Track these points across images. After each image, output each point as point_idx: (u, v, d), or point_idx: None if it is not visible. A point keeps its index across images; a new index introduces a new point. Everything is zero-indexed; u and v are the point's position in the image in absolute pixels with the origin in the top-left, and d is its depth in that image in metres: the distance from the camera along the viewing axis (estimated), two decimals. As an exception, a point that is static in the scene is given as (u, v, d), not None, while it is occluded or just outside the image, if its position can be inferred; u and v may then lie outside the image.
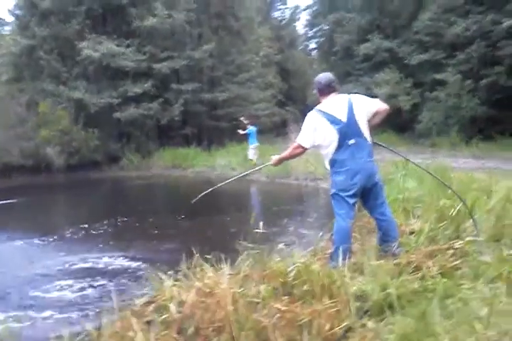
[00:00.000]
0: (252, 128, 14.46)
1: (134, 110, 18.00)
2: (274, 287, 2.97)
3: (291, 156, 3.76)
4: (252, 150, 14.15)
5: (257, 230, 3.81)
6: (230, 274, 3.15)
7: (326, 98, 3.58)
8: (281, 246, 3.92)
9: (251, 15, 23.69)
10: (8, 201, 11.05)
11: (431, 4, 18.99)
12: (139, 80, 18.57)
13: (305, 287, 2.84)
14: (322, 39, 31.35)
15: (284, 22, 39.13)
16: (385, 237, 3.56)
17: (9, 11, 20.99)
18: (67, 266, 5.66)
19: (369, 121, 3.54)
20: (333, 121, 3.42)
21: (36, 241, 7.10)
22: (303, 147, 3.56)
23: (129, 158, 17.96)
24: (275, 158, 3.85)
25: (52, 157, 16.24)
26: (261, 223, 3.71)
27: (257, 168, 5.52)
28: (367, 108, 3.51)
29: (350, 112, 3.43)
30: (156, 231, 7.18)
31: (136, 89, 18.11)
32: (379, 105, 3.58)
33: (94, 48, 17.49)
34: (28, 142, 16.39)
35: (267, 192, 10.93)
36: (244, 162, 13.91)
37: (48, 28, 18.60)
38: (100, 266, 5.63)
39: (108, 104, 17.80)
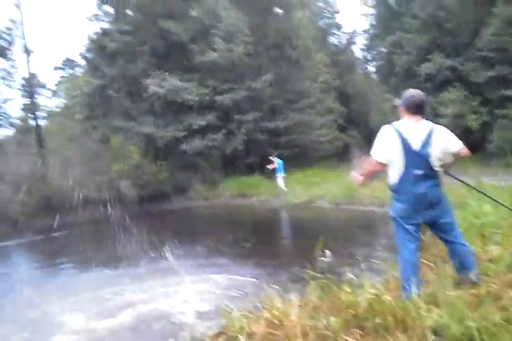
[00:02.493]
0: (278, 160, 15.30)
1: (199, 142, 18.61)
2: (344, 319, 2.90)
3: (371, 173, 3.47)
4: (280, 179, 14.95)
5: (323, 258, 3.76)
6: (299, 305, 3.12)
7: (409, 117, 3.35)
8: (349, 275, 3.84)
9: (308, 43, 24.02)
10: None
11: (493, 19, 18.37)
12: (203, 113, 19.26)
13: (377, 319, 2.74)
14: (381, 61, 31.09)
15: (341, 47, 39.25)
16: (461, 265, 3.35)
17: (80, 54, 22.73)
18: (139, 291, 5.86)
19: (443, 159, 3.29)
20: (405, 145, 3.22)
21: (118, 268, 7.48)
22: (378, 162, 3.33)
23: (197, 188, 18.43)
24: (355, 175, 3.58)
25: (125, 190, 17.01)
26: (328, 252, 3.67)
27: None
28: (447, 145, 3.27)
29: (426, 143, 3.22)
30: (222, 260, 7.28)
31: (201, 121, 18.77)
32: (461, 148, 3.32)
33: (160, 85, 18.41)
34: (102, 176, 17.31)
35: (331, 218, 10.75)
36: (308, 189, 13.84)
37: (116, 68, 19.88)
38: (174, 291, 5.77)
39: (174, 137, 18.55)
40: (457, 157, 3.35)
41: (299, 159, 21.29)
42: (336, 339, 2.57)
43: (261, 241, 8.77)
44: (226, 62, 19.91)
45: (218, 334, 3.07)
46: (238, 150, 19.53)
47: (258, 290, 4.92)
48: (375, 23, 34.18)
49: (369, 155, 3.43)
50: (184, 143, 18.64)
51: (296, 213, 12.53)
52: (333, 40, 39.82)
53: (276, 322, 2.90)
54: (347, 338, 2.56)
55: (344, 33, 39.67)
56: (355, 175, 3.56)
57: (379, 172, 3.44)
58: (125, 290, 6.32)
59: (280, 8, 23.29)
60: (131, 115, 19.52)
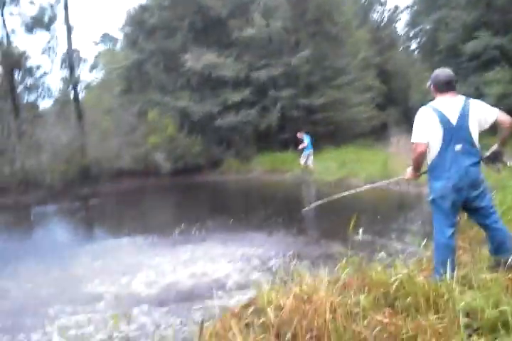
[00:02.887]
0: (307, 137, 15.29)
1: (234, 117, 18.61)
2: (374, 297, 2.87)
3: (418, 159, 3.41)
4: (307, 156, 15.02)
5: (356, 237, 3.73)
6: (328, 281, 3.11)
7: (441, 96, 3.33)
8: (382, 254, 3.80)
9: (348, 18, 23.37)
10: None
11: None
12: (238, 88, 19.17)
13: (408, 299, 2.71)
14: (424, 39, 29.96)
15: (383, 23, 38.08)
16: (498, 249, 3.26)
17: (119, 28, 22.86)
18: (175, 261, 6.01)
19: (483, 130, 3.25)
20: (443, 120, 3.18)
21: (150, 237, 7.69)
22: (422, 143, 3.27)
23: (229, 162, 18.56)
24: (408, 171, 3.57)
25: (160, 162, 17.33)
26: (360, 230, 3.62)
27: (391, 180, 5.09)
28: (484, 116, 3.23)
29: (463, 116, 3.18)
30: (253, 233, 7.34)
31: (236, 97, 18.71)
32: (500, 115, 3.25)
33: (197, 60, 18.37)
34: (138, 148, 17.65)
35: (365, 197, 10.61)
36: (342, 167, 13.68)
37: (154, 43, 19.93)
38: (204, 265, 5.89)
39: (210, 112, 18.61)
40: (507, 126, 3.24)
41: (334, 137, 21.01)
42: (365, 317, 2.55)
43: (292, 217, 8.77)
44: (264, 38, 19.64)
45: (246, 306, 3.10)
46: (272, 126, 19.43)
47: (288, 264, 4.96)
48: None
49: (410, 139, 3.39)
50: (219, 118, 18.69)
51: (329, 190, 12.45)
52: (374, 16, 38.73)
53: (305, 296, 2.90)
54: (376, 316, 2.53)
55: (386, 9, 38.49)
56: (410, 172, 3.55)
57: (424, 154, 3.35)
58: (158, 259, 6.47)
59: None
60: (168, 89, 19.65)
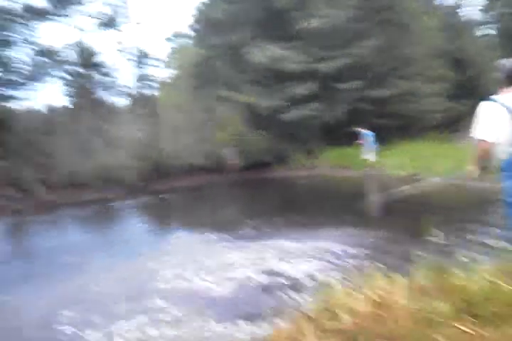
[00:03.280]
0: (369, 133, 15.19)
1: (300, 111, 18.51)
2: (454, 304, 2.79)
3: (482, 157, 3.26)
4: (368, 151, 14.98)
5: (434, 239, 3.63)
6: (405, 285, 3.06)
7: (509, 88, 3.13)
8: (462, 258, 3.67)
9: (418, 4, 22.39)
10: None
11: None
12: (304, 81, 19.00)
13: (492, 308, 2.61)
14: (502, 24, 28.08)
15: (455, 8, 36.03)
16: None
17: (189, 25, 23.45)
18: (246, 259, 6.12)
19: None
20: None
21: (224, 232, 7.86)
22: (487, 142, 3.11)
23: (296, 158, 18.52)
24: (471, 168, 3.45)
25: (229, 158, 17.66)
26: (439, 232, 3.53)
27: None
28: None
29: None
30: (324, 230, 7.31)
31: (302, 90, 18.57)
32: None
33: (262, 54, 18.42)
34: (208, 145, 18.08)
35: (441, 194, 10.18)
36: (415, 162, 13.21)
37: (221, 38, 20.23)
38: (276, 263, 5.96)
39: (276, 106, 18.63)
40: None
41: (405, 130, 20.32)
42: (445, 325, 2.49)
43: (364, 215, 8.65)
44: (329, 28, 19.27)
45: (320, 309, 3.11)
46: (340, 120, 19.11)
47: (361, 264, 4.91)
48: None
49: (473, 137, 3.22)
50: (285, 113, 18.66)
51: (400, 186, 12.10)
52: (448, 1, 36.73)
53: (380, 301, 2.87)
54: (458, 325, 2.46)
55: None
56: (472, 169, 3.41)
57: (488, 153, 3.21)
58: (229, 255, 6.63)
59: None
60: (235, 85, 19.87)
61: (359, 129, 15.57)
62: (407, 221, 7.52)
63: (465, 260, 3.52)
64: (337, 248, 6.28)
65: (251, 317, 4.15)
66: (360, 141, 15.18)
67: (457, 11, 35.39)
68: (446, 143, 16.24)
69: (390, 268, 4.08)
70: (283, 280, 5.21)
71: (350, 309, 2.91)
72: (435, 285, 3.12)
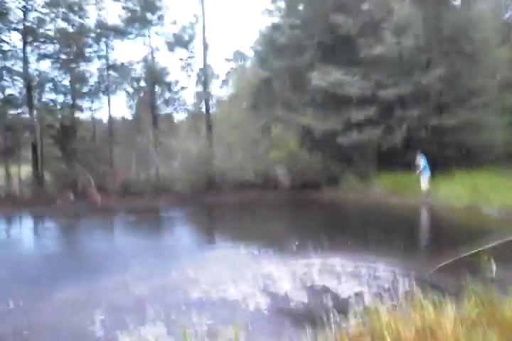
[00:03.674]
0: (423, 160, 15.70)
1: (357, 135, 18.36)
2: (506, 337, 2.65)
3: None
4: (424, 178, 15.33)
5: (488, 272, 3.49)
6: (454, 316, 2.94)
7: None
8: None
9: (486, 36, 21.85)
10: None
11: None
12: (363, 107, 18.90)
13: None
14: None
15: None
16: None
17: (250, 47, 24.09)
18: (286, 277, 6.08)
19: None
20: None
21: (269, 248, 7.87)
22: None
23: (349, 181, 18.30)
24: None
25: (280, 177, 17.74)
26: (493, 265, 3.39)
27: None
28: None
29: None
30: (373, 255, 7.14)
31: (360, 115, 18.46)
32: None
33: (323, 78, 18.55)
34: (261, 162, 18.27)
35: (499, 228, 9.73)
36: (473, 193, 12.70)
37: (283, 61, 20.56)
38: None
39: (332, 129, 18.59)
40: None
41: (465, 161, 19.66)
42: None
43: (416, 246, 8.43)
44: (393, 56, 19.17)
45: (363, 332, 3.04)
46: (396, 146, 18.78)
47: (408, 290, 4.75)
48: None
49: None
50: (341, 136, 18.58)
51: (457, 218, 11.69)
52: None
53: (427, 330, 2.78)
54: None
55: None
56: None
57: None
58: (273, 271, 6.61)
59: (458, 0, 21.57)
60: (292, 106, 20.07)
61: (419, 156, 15.96)
62: (459, 251, 7.21)
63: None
64: (386, 273, 6.11)
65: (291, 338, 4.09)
66: (418, 163, 15.61)
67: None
68: (505, 177, 15.55)
69: (438, 295, 3.97)
70: (327, 300, 5.12)
71: (395, 335, 2.84)
72: (485, 316, 2.98)
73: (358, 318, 3.49)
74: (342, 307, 4.75)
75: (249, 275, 6.29)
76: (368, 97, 19.04)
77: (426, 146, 19.46)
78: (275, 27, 21.76)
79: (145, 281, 6.17)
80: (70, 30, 18.83)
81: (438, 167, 19.19)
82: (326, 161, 18.86)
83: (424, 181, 15.26)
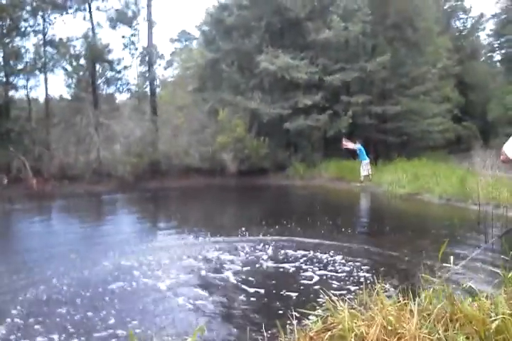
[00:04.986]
0: (359, 146, 15.84)
1: (303, 121, 18.40)
2: (468, 337, 2.60)
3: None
4: (363, 166, 15.48)
5: (444, 264, 3.45)
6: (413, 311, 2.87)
7: None
8: (469, 284, 3.50)
9: (430, 25, 22.43)
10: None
11: None
12: (310, 92, 18.94)
13: (509, 343, 2.42)
14: (510, 50, 28.29)
15: (465, 32, 36.34)
16: None
17: (197, 26, 23.36)
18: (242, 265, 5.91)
19: None
20: None
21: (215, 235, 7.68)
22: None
23: (295, 167, 18.38)
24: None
25: (226, 162, 17.47)
26: (451, 257, 3.35)
27: None
28: None
29: None
30: (322, 243, 7.11)
31: (307, 100, 18.48)
32: None
33: (271, 61, 18.34)
34: (206, 147, 17.90)
35: (441, 215, 10.02)
36: (414, 180, 13.08)
37: (231, 43, 20.11)
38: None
39: (279, 114, 18.51)
40: None
41: (406, 148, 20.32)
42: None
43: (362, 232, 8.50)
44: (340, 41, 19.28)
45: (323, 330, 2.91)
46: (341, 132, 19.02)
47: (365, 284, 4.71)
48: (506, 6, 31.00)
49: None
50: (288, 122, 18.55)
51: (399, 204, 11.97)
52: (457, 23, 37.02)
53: (389, 328, 2.68)
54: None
55: (470, 16, 36.63)
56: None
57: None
58: (220, 258, 6.45)
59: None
60: (240, 90, 19.75)
61: (349, 143, 16.32)
62: (407, 241, 7.31)
63: (472, 285, 3.32)
64: (338, 264, 6.07)
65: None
66: (346, 146, 16.21)
67: (468, 33, 35.67)
68: (444, 164, 16.14)
69: (396, 289, 3.91)
70: (280, 295, 4.99)
71: (356, 333, 2.71)
72: (446, 313, 2.92)
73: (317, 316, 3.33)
74: (297, 302, 4.66)
75: (196, 265, 6.08)
76: (315, 82, 19.08)
77: (369, 133, 19.91)
78: (223, 7, 21.17)
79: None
80: (3, 1, 17.41)
81: (380, 154, 19.71)
82: (273, 147, 18.80)
83: (363, 168, 15.54)
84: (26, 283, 5.50)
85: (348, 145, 16.20)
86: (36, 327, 4.19)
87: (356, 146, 15.96)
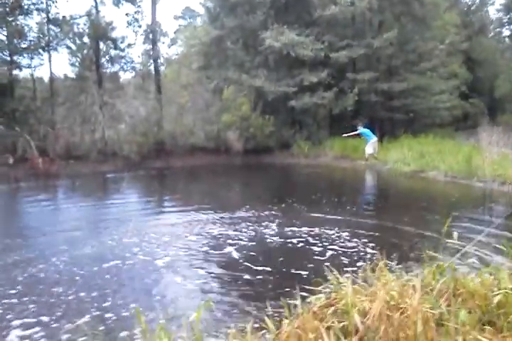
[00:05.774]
0: (364, 130, 15.65)
1: (309, 99, 18.22)
2: (470, 311, 2.64)
3: None
4: (369, 145, 15.32)
5: (448, 240, 3.46)
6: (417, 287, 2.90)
7: None
8: (473, 260, 3.53)
9: (437, 0, 21.92)
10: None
11: None
12: (316, 69, 18.70)
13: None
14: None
15: (474, 7, 35.53)
16: None
17: (201, 3, 22.93)
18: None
19: None
20: None
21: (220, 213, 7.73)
22: None
23: (300, 145, 18.30)
24: None
25: (232, 141, 17.42)
26: (455, 234, 3.36)
27: None
28: None
29: None
30: (327, 219, 7.14)
31: (312, 78, 18.26)
32: None
33: (276, 38, 18.05)
34: (212, 126, 17.84)
35: (446, 193, 10.00)
36: (420, 158, 13.02)
37: (235, 19, 19.78)
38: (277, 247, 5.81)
39: (284, 92, 18.32)
40: None
41: (412, 125, 20.18)
42: (462, 333, 2.34)
43: (368, 209, 8.52)
44: (347, 17, 18.95)
45: (326, 306, 2.95)
46: (347, 110, 18.87)
47: (369, 259, 4.76)
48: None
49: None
50: (293, 99, 18.39)
51: (405, 182, 11.96)
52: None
53: (392, 303, 2.72)
54: (476, 334, 2.31)
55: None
56: None
57: None
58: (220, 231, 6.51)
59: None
60: (245, 67, 19.54)
61: (358, 124, 16.15)
62: (413, 218, 7.32)
63: (476, 262, 3.35)
64: (343, 239, 6.12)
65: (254, 311, 3.99)
66: (349, 134, 15.92)
67: (477, 8, 34.90)
68: (450, 141, 16.02)
69: (401, 265, 3.95)
70: (287, 271, 5.05)
71: (359, 308, 2.76)
72: (450, 289, 2.96)
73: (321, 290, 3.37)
74: (302, 278, 4.71)
75: (199, 242, 6.15)
76: (321, 59, 18.81)
77: (375, 110, 19.74)
78: (227, -19, 20.73)
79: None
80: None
81: (386, 131, 19.57)
82: (278, 125, 18.68)
83: (368, 147, 15.40)
84: (26, 259, 5.58)
85: (349, 133, 16.01)
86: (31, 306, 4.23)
87: (358, 131, 15.74)
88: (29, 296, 4.42)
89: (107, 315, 3.98)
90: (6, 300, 4.34)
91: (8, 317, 3.99)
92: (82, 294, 4.45)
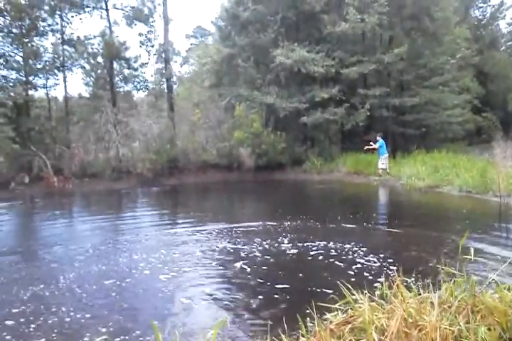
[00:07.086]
0: (381, 141, 15.59)
1: (320, 115, 18.28)
2: (490, 328, 2.60)
3: None
4: (382, 160, 15.30)
5: (465, 256, 3.42)
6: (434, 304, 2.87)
7: None
8: (493, 277, 3.47)
9: (448, 15, 22.02)
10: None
11: None
12: (327, 85, 18.83)
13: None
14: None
15: (484, 21, 35.60)
16: None
17: (212, 22, 23.33)
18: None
19: None
20: None
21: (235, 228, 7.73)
22: None
23: (312, 161, 18.30)
24: None
25: (244, 157, 17.48)
26: (472, 249, 3.32)
27: None
28: None
29: None
30: (342, 238, 7.09)
31: (324, 94, 18.35)
32: None
33: (287, 55, 18.25)
34: (224, 143, 17.95)
35: (462, 208, 9.87)
36: (434, 172, 12.92)
37: (246, 38, 20.06)
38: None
39: (296, 108, 18.43)
40: None
41: (425, 140, 20.07)
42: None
43: (383, 224, 8.46)
44: (357, 33, 19.09)
45: (344, 323, 2.93)
46: (359, 125, 18.87)
47: (385, 276, 4.70)
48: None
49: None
50: (305, 116, 18.47)
51: (419, 198, 11.84)
52: (476, 12, 36.29)
53: (410, 320, 2.69)
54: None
55: (490, 5, 35.86)
56: None
57: None
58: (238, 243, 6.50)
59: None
60: (256, 84, 19.72)
61: (378, 135, 15.98)
62: (430, 234, 7.23)
63: (495, 279, 3.29)
64: (357, 256, 6.07)
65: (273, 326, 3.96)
66: (371, 147, 15.70)
67: (488, 22, 34.96)
68: (464, 156, 15.90)
69: (417, 282, 3.90)
70: (305, 287, 5.01)
71: (376, 325, 2.72)
72: (468, 305, 2.91)
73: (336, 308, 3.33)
74: (320, 295, 4.67)
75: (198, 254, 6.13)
76: (332, 75, 18.93)
77: (387, 126, 19.71)
78: (238, 1, 21.09)
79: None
80: (23, 1, 17.66)
81: (398, 146, 19.51)
82: (290, 141, 18.74)
83: (381, 162, 15.33)
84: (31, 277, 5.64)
85: (371, 146, 15.85)
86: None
87: (378, 144, 15.55)
88: (36, 314, 4.46)
89: (119, 331, 3.99)
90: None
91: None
92: (90, 312, 4.48)
